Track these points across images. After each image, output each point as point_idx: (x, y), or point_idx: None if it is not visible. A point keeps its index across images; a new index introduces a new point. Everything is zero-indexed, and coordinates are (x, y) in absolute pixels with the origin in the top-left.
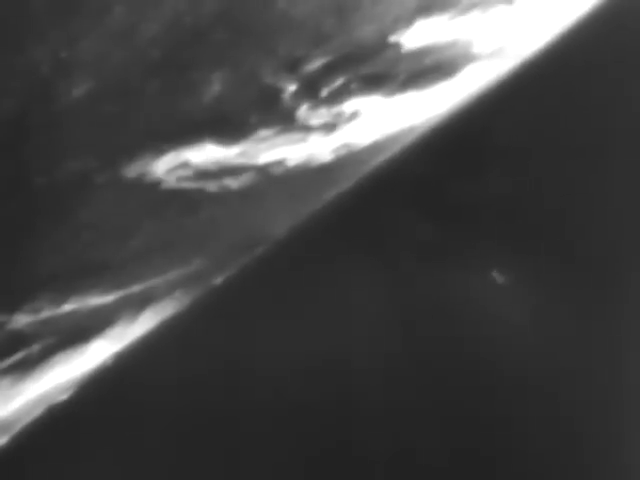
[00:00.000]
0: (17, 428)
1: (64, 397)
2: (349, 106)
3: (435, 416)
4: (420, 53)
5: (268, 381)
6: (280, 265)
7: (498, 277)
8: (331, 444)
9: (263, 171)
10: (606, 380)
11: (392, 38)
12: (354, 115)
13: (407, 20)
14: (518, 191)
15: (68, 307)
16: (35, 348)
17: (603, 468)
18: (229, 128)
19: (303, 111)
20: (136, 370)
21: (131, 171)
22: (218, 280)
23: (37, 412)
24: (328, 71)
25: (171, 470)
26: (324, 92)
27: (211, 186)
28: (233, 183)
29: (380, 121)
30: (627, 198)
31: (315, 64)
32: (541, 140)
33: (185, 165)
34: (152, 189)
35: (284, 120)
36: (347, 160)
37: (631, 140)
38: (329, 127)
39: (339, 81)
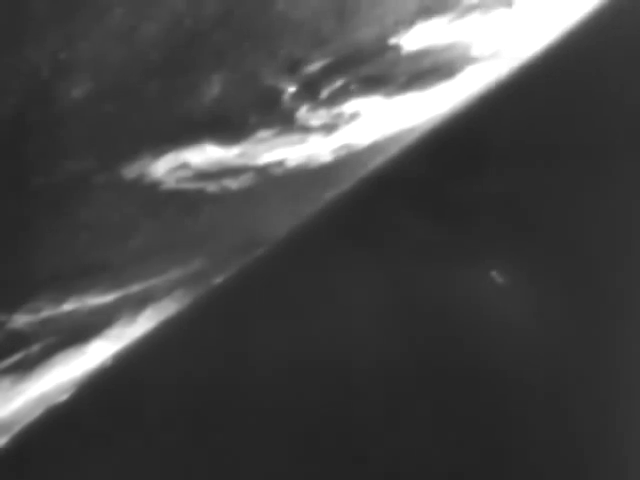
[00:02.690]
0: (17, 428)
1: (64, 397)
2: (349, 107)
3: (435, 416)
4: (420, 55)
5: (268, 381)
6: (280, 266)
7: (498, 277)
8: (331, 444)
9: (263, 172)
10: (606, 380)
11: (392, 40)
12: (354, 116)
13: (407, 22)
14: (518, 191)
15: (68, 307)
16: (35, 348)
17: (603, 468)
18: (229, 129)
19: (303, 112)
20: (136, 370)
21: (131, 172)
22: (218, 280)
23: (37, 412)
24: (328, 72)
25: (171, 470)
26: (324, 93)
27: (211, 187)
28: (233, 184)
29: (380, 122)
30: (627, 198)
31: (315, 65)
32: (541, 141)
33: (185, 166)
34: (152, 190)
35: (284, 121)
36: (347, 161)
37: (631, 141)
38: (329, 128)
39: (339, 82)
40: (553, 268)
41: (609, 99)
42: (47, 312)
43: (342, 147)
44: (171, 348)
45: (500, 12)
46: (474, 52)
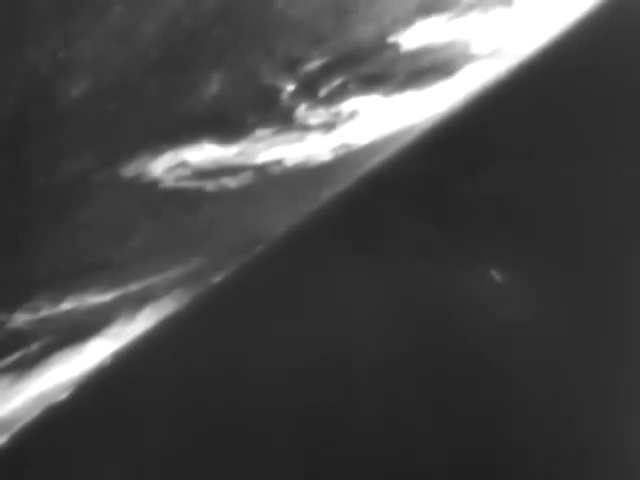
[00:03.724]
0: (17, 427)
1: (63, 396)
2: (347, 106)
3: (435, 415)
4: (418, 53)
5: (268, 381)
6: (279, 265)
7: (497, 276)
8: (331, 444)
9: (261, 171)
10: (606, 379)
11: (390, 38)
12: (352, 115)
13: (406, 20)
14: (517, 191)
15: (67, 306)
16: (34, 347)
17: (603, 467)
18: (227, 128)
19: (301, 111)
20: (136, 369)
21: (130, 170)
22: (217, 279)
23: (36, 411)
24: (326, 71)
25: (171, 470)
26: (322, 92)
27: (209, 185)
28: (231, 182)
29: (378, 121)
30: (626, 197)
31: (313, 64)
32: (541, 140)
33: (183, 164)
34: (151, 188)
35: (282, 120)
36: (346, 160)
37: (630, 139)
38: (327, 127)
39: (337, 81)
40: (553, 268)
41: (609, 97)
42: (46, 311)
43: (341, 146)
44: (170, 347)
45: (499, 11)
46: (473, 50)
